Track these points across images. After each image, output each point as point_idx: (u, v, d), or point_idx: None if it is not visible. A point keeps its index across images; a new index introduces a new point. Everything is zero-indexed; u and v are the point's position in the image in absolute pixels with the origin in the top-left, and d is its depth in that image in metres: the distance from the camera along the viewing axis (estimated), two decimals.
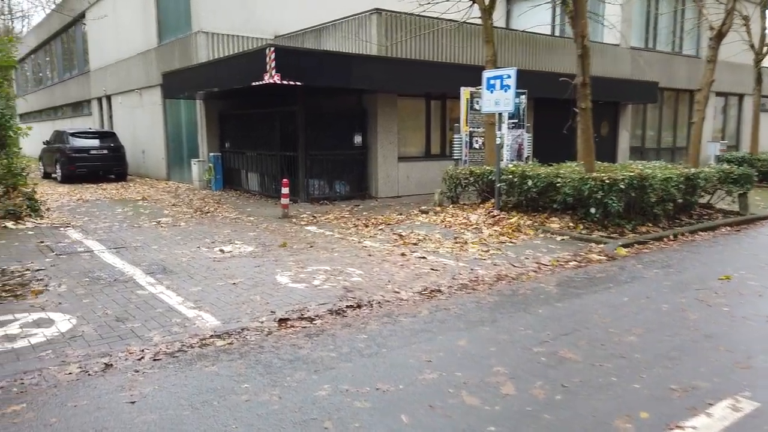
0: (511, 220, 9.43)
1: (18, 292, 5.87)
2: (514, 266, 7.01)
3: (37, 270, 6.83)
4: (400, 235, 8.89)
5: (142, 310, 5.28)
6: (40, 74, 34.77)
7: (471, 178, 10.69)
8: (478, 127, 12.44)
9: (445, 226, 9.64)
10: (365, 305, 5.45)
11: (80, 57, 26.43)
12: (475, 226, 9.47)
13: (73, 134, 18.61)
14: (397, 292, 5.86)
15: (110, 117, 23.48)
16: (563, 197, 9.05)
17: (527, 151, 12.91)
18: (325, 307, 5.39)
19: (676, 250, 8.12)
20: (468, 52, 15.06)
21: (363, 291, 5.91)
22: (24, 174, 11.48)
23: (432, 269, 6.84)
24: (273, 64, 10.80)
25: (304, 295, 5.76)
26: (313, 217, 10.98)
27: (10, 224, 9.71)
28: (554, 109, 15.84)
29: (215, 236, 9.07)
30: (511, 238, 8.64)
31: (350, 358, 4.13)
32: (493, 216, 9.83)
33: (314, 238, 8.83)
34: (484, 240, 8.50)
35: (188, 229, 9.76)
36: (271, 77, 10.84)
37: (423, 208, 11.59)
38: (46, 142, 20.56)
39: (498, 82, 9.67)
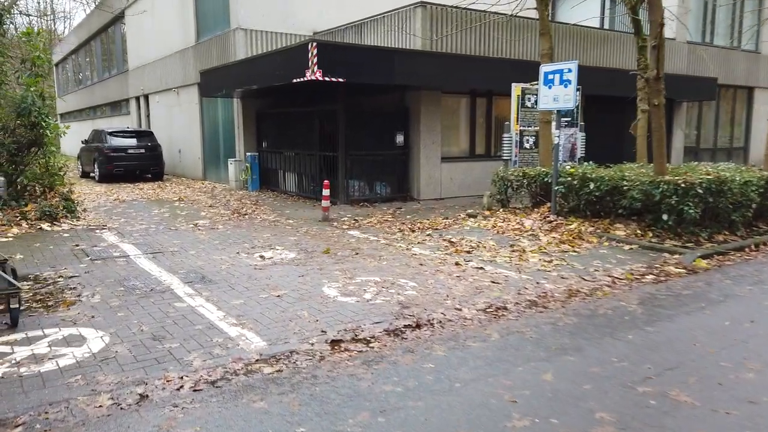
0: (570, 227, 8.71)
1: (50, 303, 5.46)
2: (585, 280, 6.31)
3: (71, 277, 6.44)
4: (451, 242, 8.27)
5: (180, 327, 4.79)
6: (80, 74, 35.21)
7: (525, 180, 9.98)
8: (529, 126, 11.72)
9: (498, 232, 8.97)
10: (425, 325, 4.85)
11: (119, 56, 26.54)
12: (530, 232, 8.78)
13: (111, 133, 18.52)
14: (459, 309, 5.24)
15: (147, 116, 23.44)
16: (629, 202, 8.29)
17: (581, 151, 12.13)
18: (380, 326, 4.81)
19: (763, 262, 7.29)
20: (517, 46, 14.32)
21: (420, 307, 5.32)
22: (61, 174, 11.24)
23: (493, 282, 6.20)
24: (315, 60, 10.29)
25: (355, 311, 5.19)
26: (355, 220, 10.43)
27: (45, 226, 9.43)
28: (605, 106, 14.98)
29: (254, 240, 8.61)
30: (573, 246, 7.93)
31: (419, 396, 3.54)
32: (550, 221, 9.12)
33: (359, 244, 8.28)
34: (544, 248, 7.81)
35: (226, 232, 9.32)
36: (313, 74, 10.33)
37: (470, 211, 10.94)
38: (85, 141, 20.58)
39: (557, 76, 8.95)
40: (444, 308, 5.28)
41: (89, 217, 10.86)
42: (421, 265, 6.99)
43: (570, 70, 8.78)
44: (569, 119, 11.83)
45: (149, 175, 19.19)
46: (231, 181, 16.19)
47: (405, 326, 4.82)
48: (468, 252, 7.68)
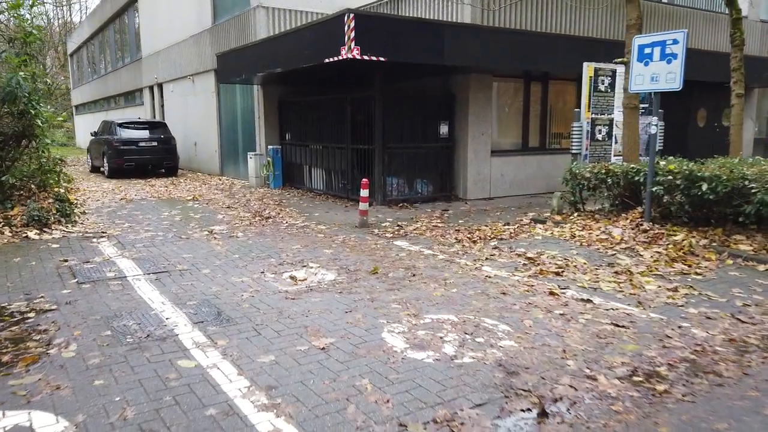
0: (675, 238, 6.94)
1: (4, 357, 3.89)
2: (742, 321, 4.58)
3: (46, 311, 4.87)
4: (529, 258, 6.57)
5: (183, 411, 3.18)
6: (94, 64, 33.95)
7: (607, 178, 8.21)
8: (601, 113, 9.93)
9: (581, 244, 7.25)
10: (555, 411, 3.17)
11: (132, 44, 25.11)
12: (623, 244, 7.04)
13: (121, 125, 17.06)
14: (593, 378, 3.56)
15: (162, 106, 21.99)
16: (755, 207, 6.51)
17: (659, 143, 10.30)
18: (486, 413, 3.15)
19: None
20: (584, 22, 12.46)
21: (532, 373, 3.64)
22: (56, 170, 9.71)
23: (615, 325, 4.49)
24: (352, 36, 8.62)
25: (440, 380, 3.53)
26: (399, 226, 8.77)
27: (32, 234, 7.91)
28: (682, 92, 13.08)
29: (282, 254, 6.99)
30: (689, 265, 6.18)
31: None
32: (645, 231, 7.36)
33: (412, 260, 6.62)
34: (654, 269, 6.07)
35: (247, 242, 7.72)
36: (350, 51, 8.66)
37: (534, 215, 9.22)
38: (94, 134, 19.18)
39: (656, 50, 7.16)
40: (569, 375, 3.60)
41: (88, 221, 9.33)
42: (504, 294, 5.30)
43: (676, 41, 6.99)
44: (647, 105, 10.03)
45: (163, 170, 17.76)
46: (251, 178, 14.62)
47: (523, 411, 3.15)
48: (557, 273, 5.97)
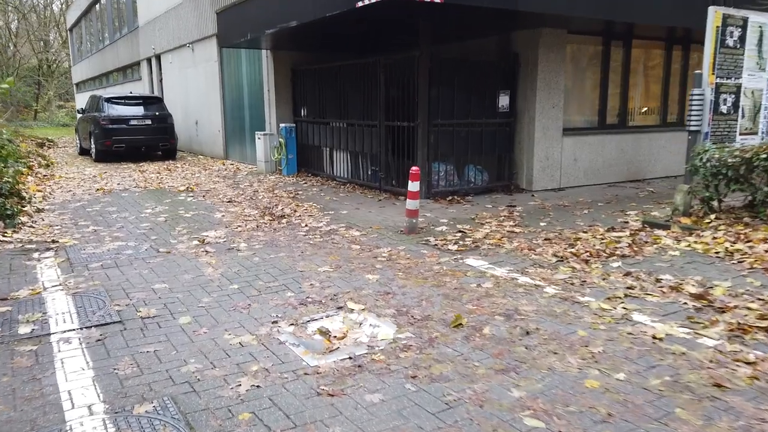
0: None
1: None
2: None
3: None
4: (695, 296, 4.13)
5: None
6: (91, 36, 31.54)
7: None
8: (728, 77, 7.39)
9: (752, 266, 4.80)
10: None
11: (129, 11, 22.63)
12: None
13: (109, 100, 14.68)
14: None
15: (160, 81, 19.60)
16: None
17: None
18: None
19: None
20: None
21: None
22: (2, 153, 7.37)
23: None
24: None
25: None
26: (461, 232, 6.36)
27: None
28: None
29: (304, 282, 4.62)
30: None
31: None
32: None
33: (506, 296, 4.22)
34: None
35: (252, 259, 5.35)
36: None
37: (642, 216, 6.79)
38: (82, 111, 16.85)
39: None
40: None
41: (41, 222, 7.01)
42: (718, 386, 2.89)
43: None
44: None
45: (159, 153, 15.43)
46: (259, 162, 12.23)
47: None
48: (767, 331, 3.54)
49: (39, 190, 9.32)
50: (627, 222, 6.70)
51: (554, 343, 3.41)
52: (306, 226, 6.77)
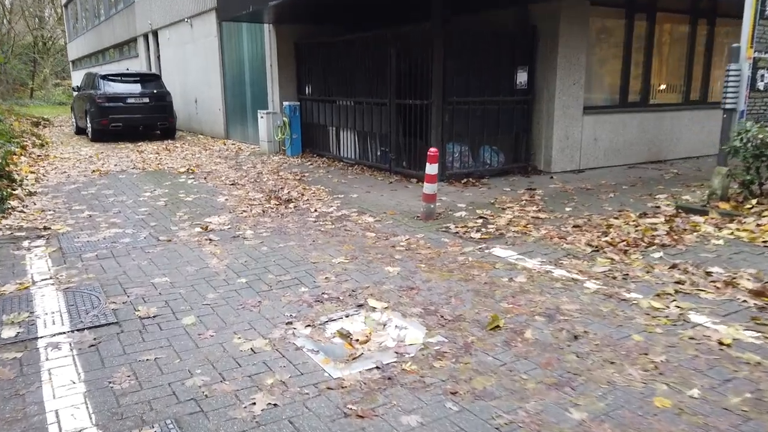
0: None
1: None
2: None
3: None
4: (754, 292, 3.73)
5: None
6: (87, 11, 30.73)
7: None
8: (766, 51, 6.89)
9: None
10: None
11: None
12: None
13: (105, 77, 14.14)
14: None
15: (158, 58, 18.99)
16: None
17: None
18: None
19: None
20: None
21: None
22: None
23: None
24: None
25: None
26: (482, 218, 5.93)
27: None
28: None
29: (318, 274, 4.21)
30: None
31: None
32: None
33: (543, 292, 3.81)
34: None
35: (260, 248, 4.93)
36: None
37: (674, 200, 6.36)
38: (77, 88, 16.31)
39: None
40: None
41: (33, 207, 6.58)
42: None
43: None
44: None
45: (158, 132, 14.93)
46: (262, 142, 11.76)
47: None
48: None
49: (32, 172, 8.87)
50: (659, 207, 6.27)
51: (608, 350, 3.01)
52: (315, 211, 6.34)
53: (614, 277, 4.11)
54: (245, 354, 3.03)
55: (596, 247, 4.82)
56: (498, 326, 3.34)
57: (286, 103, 11.11)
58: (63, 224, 5.81)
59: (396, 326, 3.41)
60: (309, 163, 10.13)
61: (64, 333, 3.27)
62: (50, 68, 45.22)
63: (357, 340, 3.25)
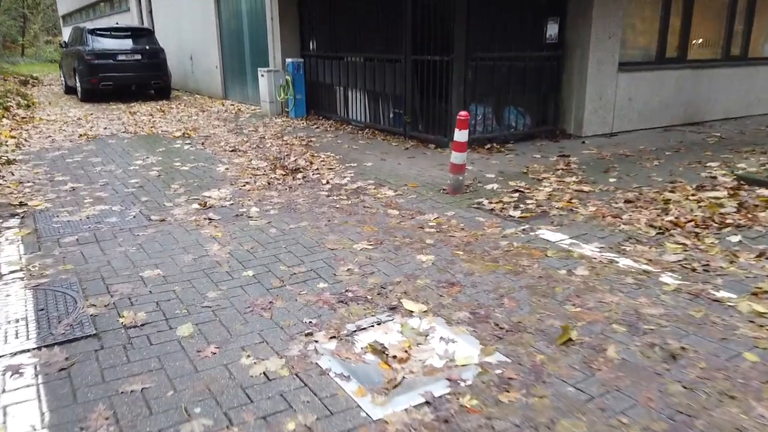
0: None
1: None
2: None
3: None
4: None
5: None
6: None
7: None
8: None
9: None
10: None
11: None
12: None
13: (93, 32, 13.17)
14: None
15: (150, 12, 17.89)
16: None
17: None
18: None
19: None
20: None
21: None
22: None
23: None
24: None
25: None
26: (518, 191, 5.23)
27: None
28: None
29: (338, 265, 3.54)
30: None
31: None
32: None
33: (612, 290, 3.16)
34: None
35: (268, 230, 4.25)
36: None
37: (742, 172, 5.65)
38: (65, 44, 15.33)
39: None
40: None
41: (10, 178, 5.86)
42: None
43: None
44: None
45: (152, 92, 14.06)
46: (263, 103, 10.93)
47: None
48: None
49: (13, 137, 8.12)
50: (714, 177, 5.56)
51: (720, 377, 2.36)
52: (327, 183, 5.63)
53: (693, 269, 3.44)
54: (257, 381, 2.39)
55: (660, 228, 4.14)
56: (570, 339, 2.68)
57: (288, 60, 10.24)
58: (42, 199, 5.11)
59: (441, 338, 2.76)
60: (315, 126, 9.35)
61: (30, 351, 2.61)
62: (40, 24, 43.63)
63: (395, 357, 2.60)
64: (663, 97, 8.48)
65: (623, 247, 3.82)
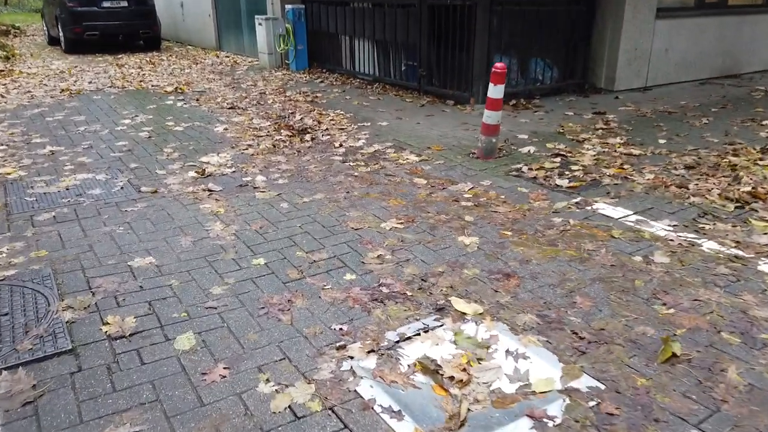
0: None
1: None
2: None
3: None
4: None
5: None
6: None
7: None
8: None
9: None
10: None
11: None
12: None
13: None
14: None
15: None
16: None
17: None
18: None
19: None
20: None
21: None
22: None
23: None
24: None
25: None
26: (559, 155, 4.61)
27: None
28: None
29: (364, 247, 2.95)
30: None
31: None
32: None
33: (708, 287, 2.60)
34: None
35: (279, 206, 3.63)
36: None
37: None
38: None
39: None
40: None
41: None
42: None
43: None
44: None
45: (141, 42, 13.14)
46: (261, 54, 10.10)
47: None
48: None
49: None
50: None
51: None
52: (340, 146, 4.98)
53: None
54: (282, 420, 1.83)
55: (737, 200, 3.54)
56: (674, 354, 2.12)
57: (288, 7, 9.35)
58: (15, 166, 4.46)
59: (507, 351, 2.19)
60: (319, 80, 8.59)
61: None
62: None
63: (452, 378, 2.05)
64: (702, 47, 7.74)
65: (700, 225, 3.23)
